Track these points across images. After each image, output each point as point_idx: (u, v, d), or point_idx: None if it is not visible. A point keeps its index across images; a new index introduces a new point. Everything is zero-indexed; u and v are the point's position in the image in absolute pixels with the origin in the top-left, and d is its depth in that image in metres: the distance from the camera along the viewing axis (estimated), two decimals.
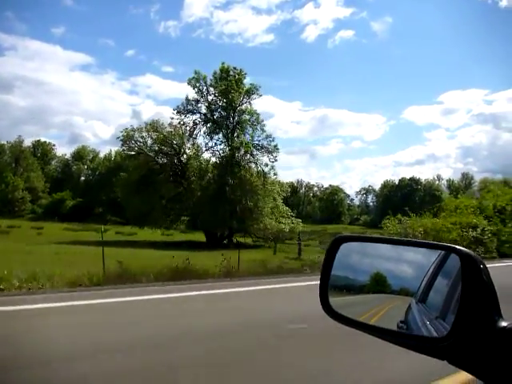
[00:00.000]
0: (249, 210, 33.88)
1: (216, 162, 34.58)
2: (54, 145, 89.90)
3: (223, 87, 33.84)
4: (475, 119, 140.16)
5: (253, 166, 36.26)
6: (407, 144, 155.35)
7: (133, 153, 35.08)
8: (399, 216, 15.96)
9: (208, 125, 35.68)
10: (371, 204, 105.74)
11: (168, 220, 35.11)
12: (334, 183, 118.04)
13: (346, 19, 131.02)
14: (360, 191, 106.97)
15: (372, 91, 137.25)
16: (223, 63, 34.64)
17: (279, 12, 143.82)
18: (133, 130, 34.52)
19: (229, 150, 33.95)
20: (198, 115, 35.39)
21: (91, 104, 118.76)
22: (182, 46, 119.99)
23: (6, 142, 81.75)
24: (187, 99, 34.64)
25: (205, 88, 34.79)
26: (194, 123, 34.88)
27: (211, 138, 35.45)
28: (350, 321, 1.09)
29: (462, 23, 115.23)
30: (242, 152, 34.36)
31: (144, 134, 34.61)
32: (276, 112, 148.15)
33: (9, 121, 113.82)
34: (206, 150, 35.07)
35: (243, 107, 35.94)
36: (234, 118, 35.31)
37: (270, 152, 35.20)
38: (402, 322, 1.00)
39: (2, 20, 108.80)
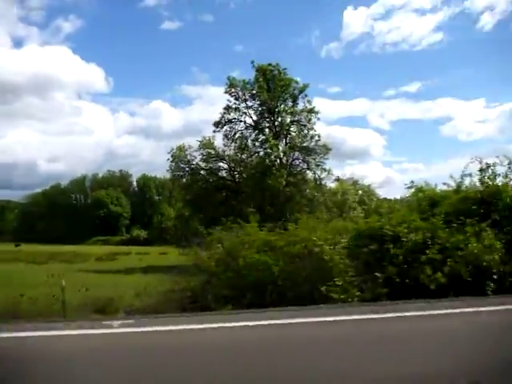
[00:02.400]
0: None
1: (252, 173, 30.41)
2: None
3: (250, 89, 30.07)
4: None
5: (309, 173, 31.11)
6: None
7: (181, 173, 34.05)
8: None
9: (256, 132, 32.13)
10: None
11: None
12: None
13: None
14: None
15: None
16: (252, 62, 30.76)
17: (445, 8, 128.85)
18: (180, 149, 33.60)
19: (260, 157, 29.60)
20: (242, 124, 32.18)
21: None
22: (345, 65, 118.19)
23: None
24: (227, 108, 31.91)
25: (242, 94, 31.47)
26: (233, 134, 31.70)
27: (259, 146, 31.60)
28: None
29: None
30: (284, 157, 29.54)
31: (190, 152, 33.37)
32: (455, 114, 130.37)
33: None
34: (241, 161, 31.28)
35: (288, 107, 31.28)
36: (274, 122, 30.82)
37: (317, 154, 29.42)
38: None
39: (189, 74, 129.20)
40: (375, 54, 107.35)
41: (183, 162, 33.82)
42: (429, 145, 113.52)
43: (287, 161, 30.76)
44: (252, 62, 30.69)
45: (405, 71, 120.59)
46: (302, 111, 31.22)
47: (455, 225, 9.31)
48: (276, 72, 30.65)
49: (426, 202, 10.52)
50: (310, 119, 30.54)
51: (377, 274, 8.18)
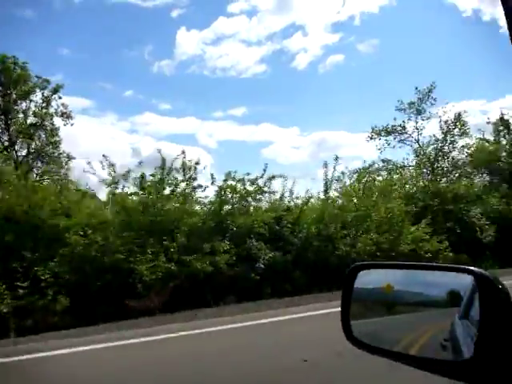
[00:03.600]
0: None
1: None
2: None
3: None
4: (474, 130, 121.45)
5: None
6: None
7: None
8: None
9: None
10: None
11: None
12: None
13: (335, 45, 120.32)
14: None
15: (366, 112, 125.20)
16: None
17: (269, 43, 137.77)
18: None
19: None
20: None
21: (92, 146, 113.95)
22: (177, 83, 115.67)
23: None
24: None
25: None
26: None
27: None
28: (374, 348, 1.07)
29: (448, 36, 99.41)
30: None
31: None
32: (275, 139, 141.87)
33: None
34: None
35: (37, 109, 26.64)
36: (7, 122, 25.89)
37: (57, 163, 25.68)
38: (445, 340, 0.98)
39: None
40: (206, 76, 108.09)
41: None
42: (252, 165, 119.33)
43: (29, 168, 26.05)
44: None
45: (232, 96, 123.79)
46: (51, 114, 26.87)
47: None
48: (11, 65, 25.73)
49: None
50: (53, 124, 26.41)
51: None
